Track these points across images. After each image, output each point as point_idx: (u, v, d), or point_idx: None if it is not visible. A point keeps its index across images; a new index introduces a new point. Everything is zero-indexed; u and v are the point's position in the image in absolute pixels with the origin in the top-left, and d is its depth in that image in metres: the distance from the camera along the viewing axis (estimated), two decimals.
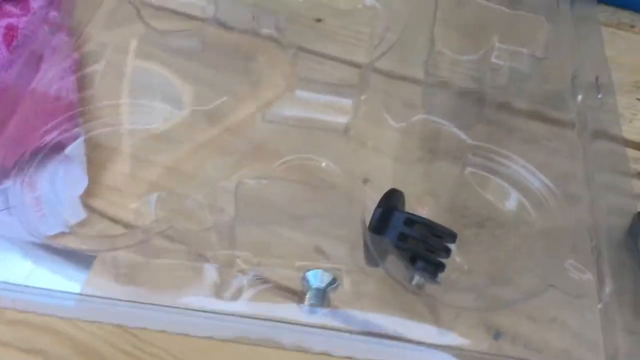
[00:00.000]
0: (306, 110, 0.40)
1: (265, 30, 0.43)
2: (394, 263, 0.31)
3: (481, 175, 0.36)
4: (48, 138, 0.37)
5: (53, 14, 0.45)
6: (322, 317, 0.30)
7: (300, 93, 0.41)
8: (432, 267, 0.31)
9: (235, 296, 0.30)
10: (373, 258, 0.31)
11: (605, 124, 0.38)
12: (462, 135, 0.37)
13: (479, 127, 0.38)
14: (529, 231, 0.34)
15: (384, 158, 0.37)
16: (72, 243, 0.32)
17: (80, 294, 0.30)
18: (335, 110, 0.40)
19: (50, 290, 0.30)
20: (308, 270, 0.31)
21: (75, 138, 0.38)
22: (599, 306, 0.31)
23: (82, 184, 0.36)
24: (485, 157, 0.37)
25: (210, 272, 0.30)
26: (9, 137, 0.38)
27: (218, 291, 0.30)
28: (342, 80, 0.42)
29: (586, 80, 0.40)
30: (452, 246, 0.31)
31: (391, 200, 0.32)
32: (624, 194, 0.36)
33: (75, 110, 0.39)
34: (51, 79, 0.40)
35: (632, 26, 0.47)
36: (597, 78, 0.39)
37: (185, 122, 0.39)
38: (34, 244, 0.32)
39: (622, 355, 0.29)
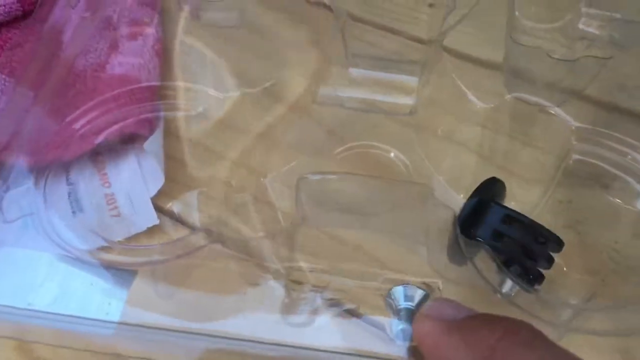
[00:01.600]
0: (363, 90, 0.34)
1: None
2: (485, 262, 0.26)
3: (591, 165, 0.30)
4: (124, 128, 0.32)
5: None
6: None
7: (355, 70, 0.35)
8: (529, 276, 0.26)
9: (307, 322, 0.24)
10: (461, 255, 0.26)
11: None
12: (563, 115, 0.31)
13: (577, 105, 0.32)
14: None
15: (459, 148, 0.32)
16: (107, 257, 0.27)
17: (119, 323, 0.24)
18: (397, 90, 0.34)
19: (84, 318, 0.25)
20: (394, 286, 0.25)
21: (153, 129, 0.32)
22: None
23: (158, 183, 0.31)
24: (594, 142, 0.31)
25: (274, 289, 0.25)
26: (75, 125, 0.32)
27: (285, 313, 0.25)
28: (403, 55, 0.36)
29: None
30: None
31: (488, 191, 0.26)
32: None
33: (157, 97, 0.34)
34: (131, 59, 0.35)
35: None
36: None
37: (235, 108, 0.33)
38: (64, 257, 0.27)
39: None
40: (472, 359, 0.18)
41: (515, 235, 0.25)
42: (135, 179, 0.32)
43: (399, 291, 0.25)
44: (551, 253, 0.26)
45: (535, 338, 0.18)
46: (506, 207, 0.26)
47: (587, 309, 0.26)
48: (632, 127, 0.31)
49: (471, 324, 0.19)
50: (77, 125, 0.32)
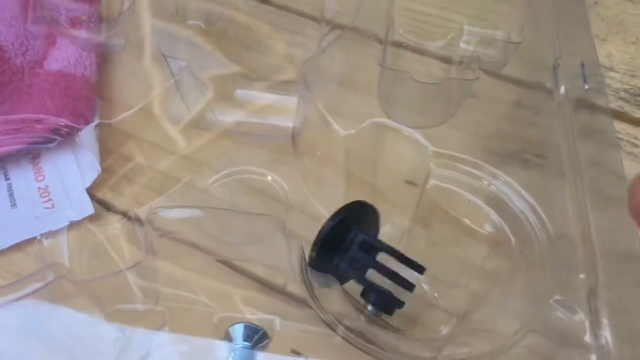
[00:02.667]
0: (244, 113, 0.34)
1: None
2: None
3: (446, 190, 0.31)
4: (59, 121, 0.33)
5: None
6: None
7: (240, 92, 0.35)
8: (387, 302, 0.26)
9: None
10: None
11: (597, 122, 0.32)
12: (421, 139, 0.31)
13: (445, 129, 0.32)
14: (507, 261, 0.28)
15: (333, 170, 0.32)
16: None
17: None
18: (278, 112, 0.34)
19: None
20: (232, 324, 0.26)
21: (88, 122, 0.34)
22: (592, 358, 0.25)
23: (94, 173, 0.33)
24: (452, 167, 0.31)
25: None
26: (13, 120, 0.33)
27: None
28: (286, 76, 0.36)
29: (570, 68, 0.34)
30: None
31: (351, 214, 0.26)
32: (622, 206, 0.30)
33: (93, 91, 0.35)
34: (68, 55, 0.36)
35: None
36: (582, 65, 0.32)
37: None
38: None
39: None
40: None
41: (373, 263, 0.26)
42: (70, 170, 0.34)
43: (237, 329, 0.26)
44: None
45: None
46: (367, 233, 0.26)
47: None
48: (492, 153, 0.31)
49: None
50: (11, 120, 0.33)
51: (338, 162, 0.32)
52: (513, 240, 0.29)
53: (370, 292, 0.26)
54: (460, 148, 0.30)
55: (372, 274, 0.26)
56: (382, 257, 0.26)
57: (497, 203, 0.29)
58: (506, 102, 0.35)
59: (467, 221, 0.29)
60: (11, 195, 0.33)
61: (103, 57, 0.37)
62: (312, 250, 0.25)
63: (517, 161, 0.33)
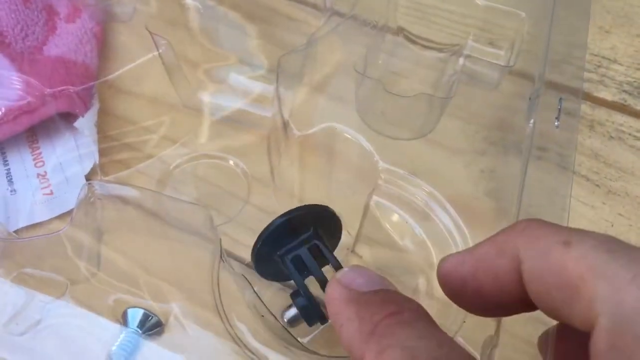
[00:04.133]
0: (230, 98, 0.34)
1: None
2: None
3: (388, 208, 0.28)
4: (59, 107, 0.33)
5: None
6: None
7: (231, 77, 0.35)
8: (312, 312, 0.24)
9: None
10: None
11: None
12: (374, 154, 0.29)
13: (414, 144, 0.30)
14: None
15: (290, 169, 0.31)
16: None
17: None
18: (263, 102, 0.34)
19: None
20: (128, 308, 0.25)
21: (87, 108, 0.34)
22: None
23: (91, 160, 0.33)
24: (395, 184, 0.29)
25: None
26: (15, 105, 0.33)
27: None
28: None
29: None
30: None
31: (313, 215, 0.24)
32: None
33: (93, 77, 0.35)
34: (68, 41, 0.36)
35: None
36: (560, 99, 0.30)
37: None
38: None
39: None
40: (358, 332, 0.18)
41: (313, 269, 0.24)
42: (70, 156, 0.34)
43: (131, 313, 0.26)
44: None
45: (419, 319, 0.18)
46: (320, 238, 0.24)
47: None
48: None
49: (370, 298, 0.19)
50: (11, 106, 0.33)
51: (293, 163, 0.31)
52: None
53: (301, 296, 0.24)
54: (461, 137, 0.30)
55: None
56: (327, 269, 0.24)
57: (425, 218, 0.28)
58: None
59: (400, 242, 0.28)
60: (10, 181, 0.33)
61: (104, 43, 0.37)
62: (261, 234, 0.24)
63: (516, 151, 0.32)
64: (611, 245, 0.16)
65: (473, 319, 0.20)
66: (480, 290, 0.18)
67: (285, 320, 0.24)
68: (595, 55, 0.38)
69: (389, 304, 0.18)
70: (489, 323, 0.22)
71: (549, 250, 0.16)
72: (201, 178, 0.31)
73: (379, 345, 0.17)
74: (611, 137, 0.34)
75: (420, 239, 0.27)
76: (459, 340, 0.23)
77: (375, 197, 0.27)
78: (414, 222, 0.27)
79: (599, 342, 0.15)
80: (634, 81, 0.37)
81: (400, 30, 0.35)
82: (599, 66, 0.37)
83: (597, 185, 0.32)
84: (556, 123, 0.26)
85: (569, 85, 0.30)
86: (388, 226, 0.27)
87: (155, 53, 0.31)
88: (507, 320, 0.22)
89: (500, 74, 0.32)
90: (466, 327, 0.25)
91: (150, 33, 0.30)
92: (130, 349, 0.24)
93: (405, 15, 0.36)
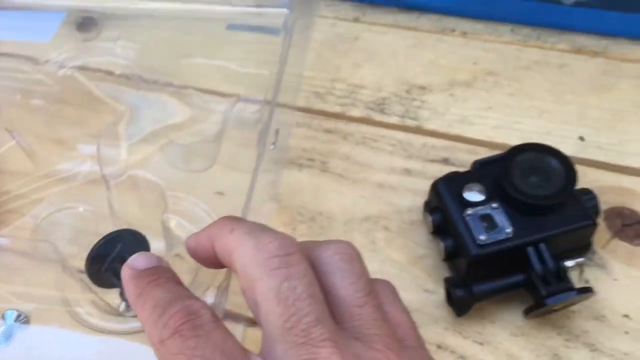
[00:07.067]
0: None
1: None
2: None
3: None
4: None
5: None
6: None
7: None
8: None
9: None
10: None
11: None
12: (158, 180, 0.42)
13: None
14: None
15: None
16: None
17: None
18: None
19: None
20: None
21: None
22: None
23: None
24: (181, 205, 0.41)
25: None
26: None
27: None
28: None
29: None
30: None
31: (116, 236, 0.37)
32: None
33: None
34: None
35: (453, 30, 0.55)
36: (277, 131, 0.40)
37: None
38: None
39: None
40: (134, 295, 0.27)
41: None
42: None
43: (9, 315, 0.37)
44: None
45: (169, 281, 0.28)
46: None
47: None
48: None
49: (144, 272, 0.28)
50: None
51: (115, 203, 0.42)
52: None
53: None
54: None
55: None
56: None
57: None
58: None
59: None
60: None
61: None
62: (87, 255, 0.36)
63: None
64: (253, 228, 0.27)
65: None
66: (206, 257, 0.31)
67: (121, 310, 0.37)
68: (350, 85, 0.52)
69: (153, 274, 0.28)
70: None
71: (223, 234, 0.28)
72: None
73: (141, 300, 0.27)
74: (358, 143, 0.48)
75: None
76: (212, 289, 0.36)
77: (169, 215, 0.40)
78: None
79: (241, 279, 0.27)
80: (376, 100, 0.51)
81: None
82: (352, 92, 0.52)
83: (346, 178, 0.46)
84: (272, 147, 0.39)
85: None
86: (182, 233, 0.40)
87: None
88: None
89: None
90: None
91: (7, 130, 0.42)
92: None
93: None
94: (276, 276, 0.25)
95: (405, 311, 0.29)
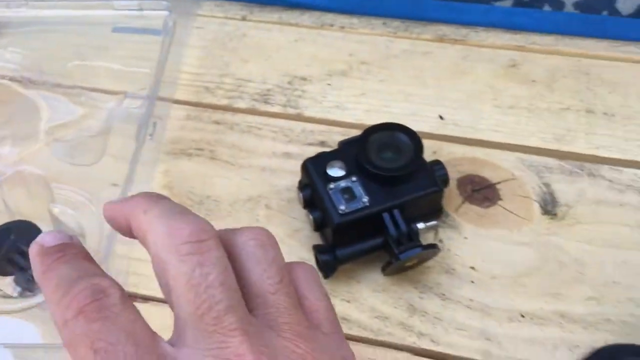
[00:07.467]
0: None
1: None
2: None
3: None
4: None
5: None
6: None
7: None
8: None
9: None
10: None
11: None
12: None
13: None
14: None
15: None
16: None
17: None
18: None
19: None
20: None
21: None
22: None
23: None
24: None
25: None
26: None
27: None
28: None
29: None
30: None
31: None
32: None
33: None
34: None
35: (332, 25, 0.59)
36: (155, 124, 0.46)
37: None
38: None
39: None
40: (41, 272, 0.25)
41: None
42: None
43: None
44: None
45: (75, 258, 0.25)
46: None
47: None
48: None
49: (51, 249, 0.25)
50: None
51: None
52: None
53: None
54: None
55: None
56: None
57: None
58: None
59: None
60: None
61: None
62: None
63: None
64: (167, 211, 0.25)
65: None
66: (122, 230, 0.28)
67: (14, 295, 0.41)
68: (237, 79, 0.56)
69: (59, 251, 0.25)
70: None
71: (137, 215, 0.26)
72: None
73: (46, 277, 0.25)
74: (244, 132, 0.53)
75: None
76: None
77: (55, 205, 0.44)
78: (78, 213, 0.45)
79: (153, 262, 0.25)
80: (261, 92, 0.55)
81: None
82: (239, 86, 0.56)
83: (232, 164, 0.50)
84: (149, 137, 0.43)
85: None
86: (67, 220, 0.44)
87: None
88: None
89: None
90: None
91: None
92: None
93: None
94: (188, 262, 0.24)
95: (323, 296, 0.28)
